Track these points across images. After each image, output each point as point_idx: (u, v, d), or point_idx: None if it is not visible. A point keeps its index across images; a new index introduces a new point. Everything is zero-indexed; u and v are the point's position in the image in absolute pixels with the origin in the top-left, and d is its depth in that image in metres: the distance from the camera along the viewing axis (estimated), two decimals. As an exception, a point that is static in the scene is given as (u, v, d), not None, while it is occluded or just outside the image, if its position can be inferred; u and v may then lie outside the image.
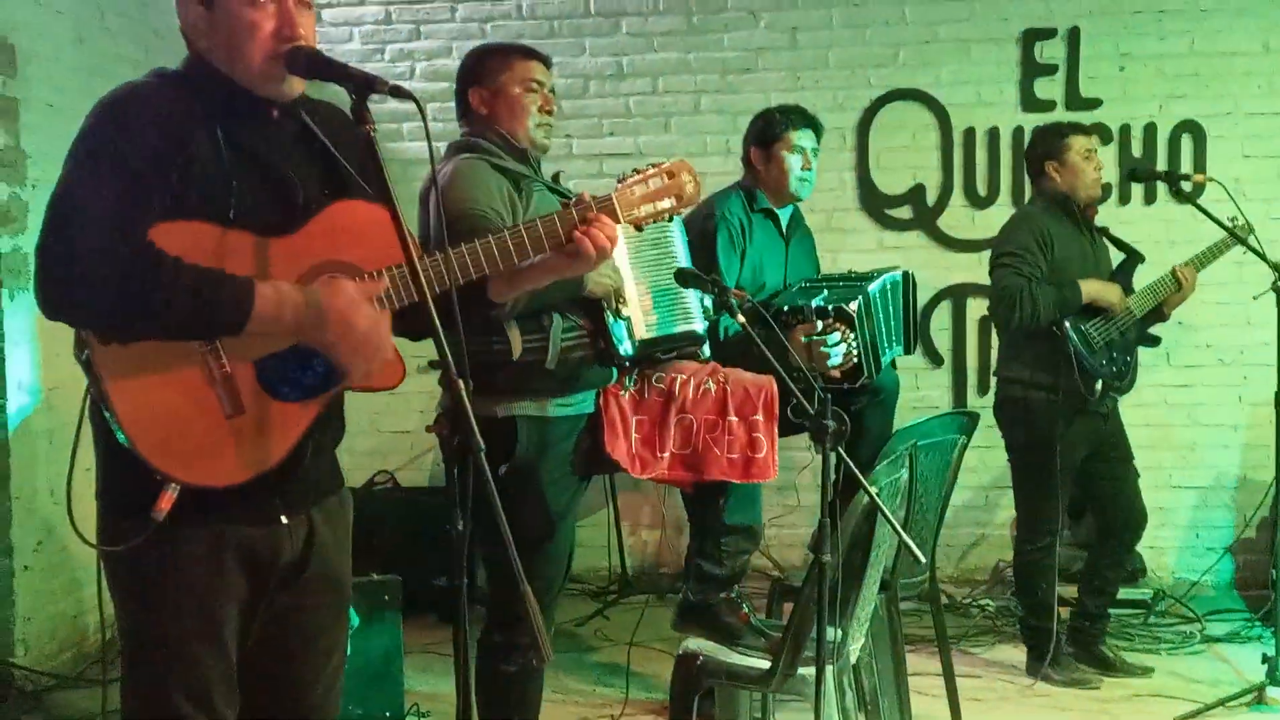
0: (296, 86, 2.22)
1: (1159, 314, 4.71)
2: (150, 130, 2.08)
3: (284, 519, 2.24)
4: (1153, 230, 5.74)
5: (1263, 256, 4.34)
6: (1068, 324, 4.46)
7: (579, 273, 2.80)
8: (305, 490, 2.28)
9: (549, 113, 3.37)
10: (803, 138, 4.31)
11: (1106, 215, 5.40)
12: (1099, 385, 4.49)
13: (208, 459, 2.09)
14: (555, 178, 3.53)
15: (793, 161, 4.29)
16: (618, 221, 2.67)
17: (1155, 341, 4.81)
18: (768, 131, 4.34)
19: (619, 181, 2.73)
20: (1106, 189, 5.67)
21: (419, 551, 5.24)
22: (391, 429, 6.19)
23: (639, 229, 2.81)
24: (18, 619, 4.70)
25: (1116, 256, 4.78)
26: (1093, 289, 4.51)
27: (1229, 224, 4.51)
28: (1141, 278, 4.75)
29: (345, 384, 2.21)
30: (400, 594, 4.11)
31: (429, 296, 2.03)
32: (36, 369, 4.78)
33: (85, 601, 5.07)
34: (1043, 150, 4.70)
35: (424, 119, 2.16)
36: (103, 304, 1.99)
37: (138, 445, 2.04)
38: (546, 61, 3.44)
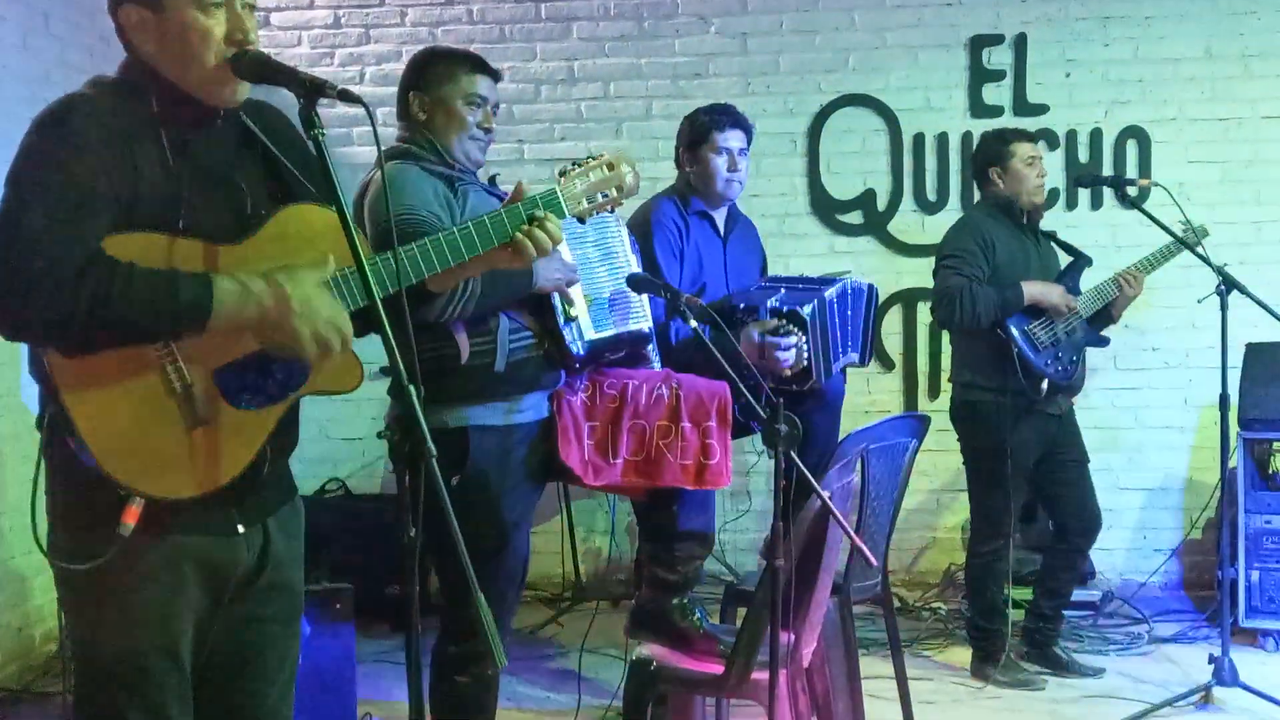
0: (243, 92, 2.20)
1: (1108, 316, 4.76)
2: (94, 142, 2.05)
3: (240, 529, 2.22)
4: (1100, 235, 5.80)
5: (1207, 261, 4.38)
6: (1011, 325, 4.52)
7: (519, 266, 2.77)
8: (262, 500, 2.26)
9: (487, 130, 3.36)
10: (729, 139, 4.28)
11: (1054, 220, 5.47)
12: (1045, 385, 4.54)
13: (171, 471, 2.07)
14: (492, 180, 3.51)
15: (718, 163, 4.26)
16: (563, 216, 2.66)
17: (1104, 342, 4.84)
18: (694, 133, 4.33)
19: (560, 175, 2.73)
20: (1053, 194, 5.74)
21: (371, 560, 5.19)
22: (342, 436, 6.15)
23: (582, 221, 2.81)
24: (-39, 631, 4.64)
25: (1065, 260, 4.83)
26: (1035, 290, 4.56)
27: (1179, 229, 4.55)
28: (1089, 280, 4.80)
29: (305, 388, 2.19)
30: (352, 603, 4.07)
31: (377, 298, 2.02)
32: (-21, 378, 4.71)
33: (31, 614, 4.99)
34: (987, 156, 4.78)
35: (373, 123, 2.14)
36: (62, 318, 1.96)
37: (100, 459, 2.01)
38: (495, 75, 3.42)
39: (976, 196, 5.95)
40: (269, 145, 2.27)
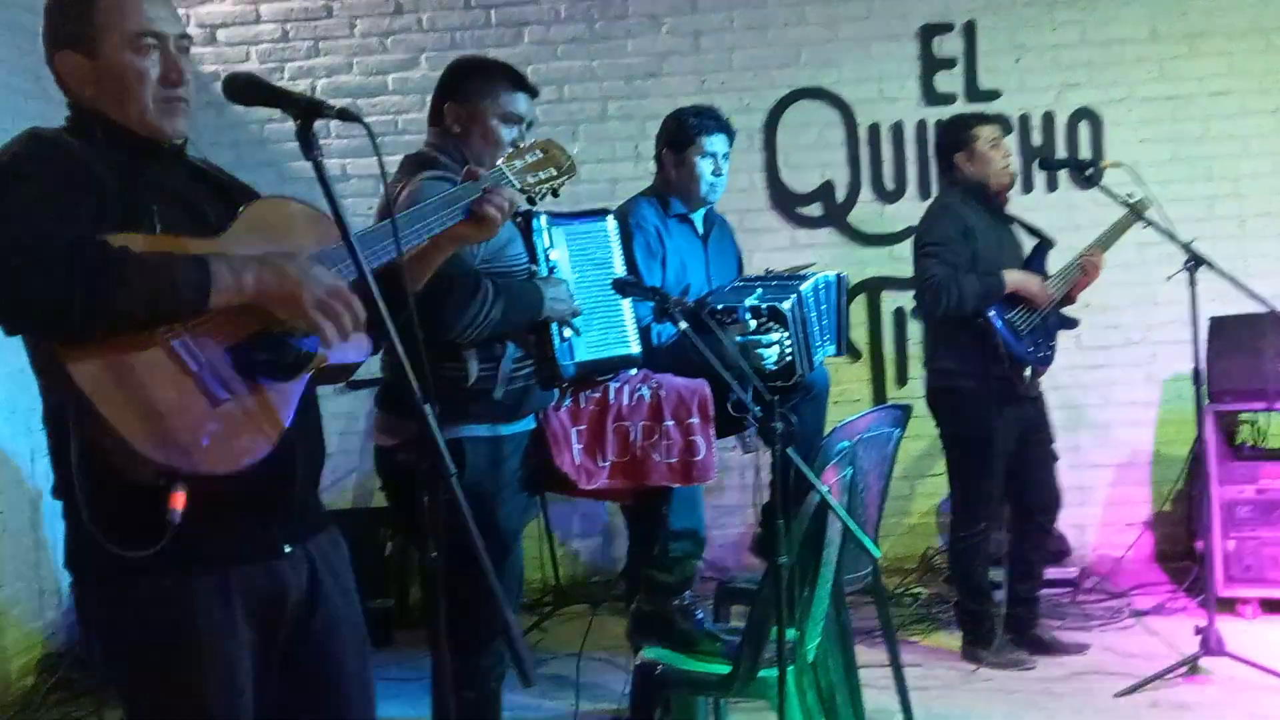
0: (182, 127, 2.23)
1: (1067, 298, 4.80)
2: (56, 158, 2.07)
3: (286, 548, 2.20)
4: (1056, 217, 5.82)
5: (1174, 238, 4.44)
6: (993, 314, 4.54)
7: (483, 238, 2.74)
8: (300, 516, 2.24)
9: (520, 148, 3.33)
10: (714, 143, 4.31)
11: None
12: (1028, 373, 4.58)
13: (207, 446, 2.01)
14: None
15: (704, 167, 4.28)
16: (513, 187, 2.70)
17: (1074, 324, 4.88)
18: (680, 135, 4.33)
19: (500, 161, 2.77)
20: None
21: (347, 576, 5.14)
22: (311, 453, 6.08)
23: (531, 201, 2.83)
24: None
25: (1029, 243, 4.88)
26: (1015, 278, 4.59)
27: (1128, 201, 4.62)
28: (1053, 262, 4.85)
29: (318, 360, 2.15)
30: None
31: (369, 273, 2.04)
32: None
33: (6, 648, 4.91)
34: (950, 142, 4.79)
35: (373, 140, 2.13)
36: (59, 293, 1.91)
37: (134, 442, 1.94)
38: (533, 91, 3.39)
39: (934, 184, 6.06)
40: (219, 175, 2.32)
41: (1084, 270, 4.71)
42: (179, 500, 1.98)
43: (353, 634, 2.32)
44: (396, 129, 6.06)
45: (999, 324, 4.54)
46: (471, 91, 3.32)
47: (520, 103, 3.34)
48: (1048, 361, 4.69)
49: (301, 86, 6.14)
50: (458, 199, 2.54)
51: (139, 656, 2.13)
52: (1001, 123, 4.87)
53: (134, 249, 2.00)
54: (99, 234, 2.01)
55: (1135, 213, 4.61)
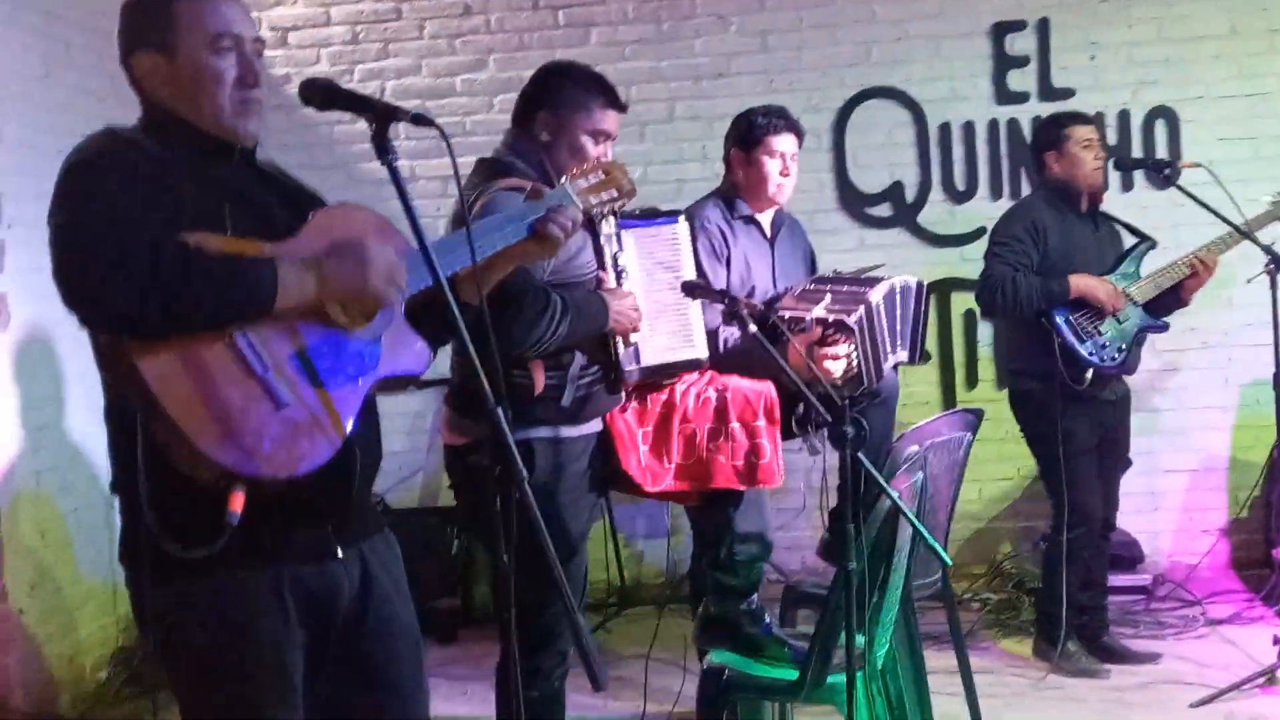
0: (256, 129, 2.26)
1: (1176, 299, 4.69)
2: (132, 161, 2.10)
3: (339, 552, 2.21)
4: (1130, 217, 5.73)
5: (1254, 239, 4.36)
6: (1056, 314, 4.50)
7: (544, 256, 2.76)
8: (355, 520, 2.26)
9: None
10: (783, 143, 4.26)
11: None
12: (1089, 374, 4.50)
13: (270, 449, 2.02)
14: None
15: (772, 167, 4.24)
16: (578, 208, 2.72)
17: (1163, 328, 4.77)
18: (749, 135, 4.29)
19: (563, 180, 2.80)
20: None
21: (413, 574, 5.16)
22: (378, 451, 6.12)
23: (591, 221, 2.87)
24: (14, 663, 4.62)
25: (1128, 242, 4.81)
26: (1082, 284, 4.52)
27: (1267, 202, 4.53)
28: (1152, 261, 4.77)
29: (382, 365, 2.19)
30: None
31: (444, 278, 2.08)
32: (21, 410, 4.69)
33: (82, 642, 4.99)
34: (1043, 141, 4.75)
35: (449, 145, 2.16)
36: (139, 292, 1.94)
37: (197, 442, 1.97)
38: (623, 108, 3.39)
39: (1007, 184, 6.00)
40: (286, 179, 2.35)
41: (1193, 270, 4.61)
42: (237, 502, 2.00)
43: (406, 634, 2.33)
44: (465, 130, 6.08)
45: (1061, 324, 4.49)
46: (566, 101, 3.30)
47: (611, 121, 3.33)
48: (1119, 365, 4.59)
49: (371, 88, 6.19)
50: (522, 216, 2.57)
51: (191, 653, 2.15)
52: (1097, 123, 4.80)
53: (208, 248, 2.03)
54: (173, 232, 2.04)
55: (1241, 233, 4.49)
